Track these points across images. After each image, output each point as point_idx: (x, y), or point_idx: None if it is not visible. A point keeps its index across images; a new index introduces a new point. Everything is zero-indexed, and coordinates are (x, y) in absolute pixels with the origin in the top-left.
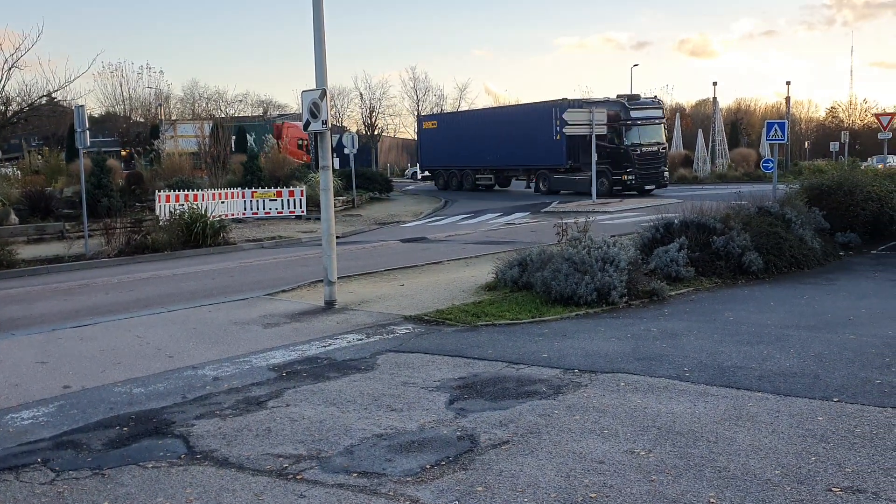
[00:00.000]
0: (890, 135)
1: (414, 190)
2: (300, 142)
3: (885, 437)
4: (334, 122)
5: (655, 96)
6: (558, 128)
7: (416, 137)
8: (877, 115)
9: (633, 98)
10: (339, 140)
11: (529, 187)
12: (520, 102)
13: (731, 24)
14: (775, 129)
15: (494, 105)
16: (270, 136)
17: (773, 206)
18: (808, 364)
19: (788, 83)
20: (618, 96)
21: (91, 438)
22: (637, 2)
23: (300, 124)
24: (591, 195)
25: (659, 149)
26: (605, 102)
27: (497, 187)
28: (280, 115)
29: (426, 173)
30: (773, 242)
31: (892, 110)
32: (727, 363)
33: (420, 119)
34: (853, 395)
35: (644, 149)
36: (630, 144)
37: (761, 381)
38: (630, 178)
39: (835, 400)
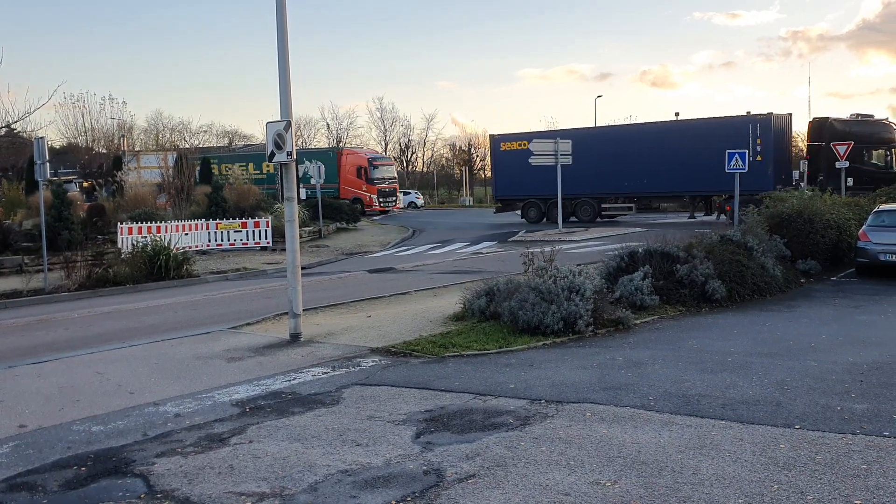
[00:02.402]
0: (846, 164)
1: (382, 220)
2: (359, 169)
3: (846, 464)
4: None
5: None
6: (758, 147)
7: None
8: (833, 145)
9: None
10: (306, 170)
11: (694, 217)
12: (688, 118)
13: (690, 56)
14: (736, 159)
15: (631, 122)
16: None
17: (735, 234)
18: (771, 391)
19: (748, 113)
20: (855, 115)
21: (47, 479)
22: (599, 35)
23: (360, 152)
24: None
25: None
26: (864, 122)
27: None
28: (246, 146)
29: (499, 204)
30: (736, 270)
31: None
32: (691, 392)
33: (496, 140)
34: (814, 422)
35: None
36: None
37: (725, 409)
38: None
39: (797, 427)
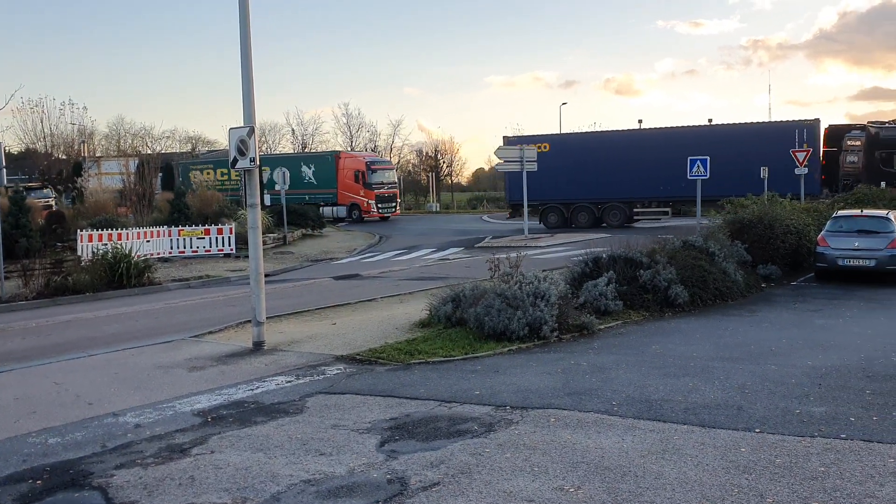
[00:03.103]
0: (805, 170)
1: (348, 226)
2: (356, 173)
3: (804, 467)
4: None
5: None
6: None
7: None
8: (793, 152)
9: None
10: (271, 176)
11: None
12: (732, 122)
13: (653, 64)
14: (698, 166)
15: (671, 126)
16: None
17: (697, 239)
18: (732, 395)
19: (710, 120)
20: (873, 122)
21: (0, 494)
22: (564, 43)
23: (358, 155)
24: None
25: None
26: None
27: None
28: (209, 151)
29: (511, 210)
30: (698, 275)
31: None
32: (654, 396)
33: (512, 142)
34: (774, 425)
35: None
36: None
37: (687, 413)
38: None
39: (757, 431)
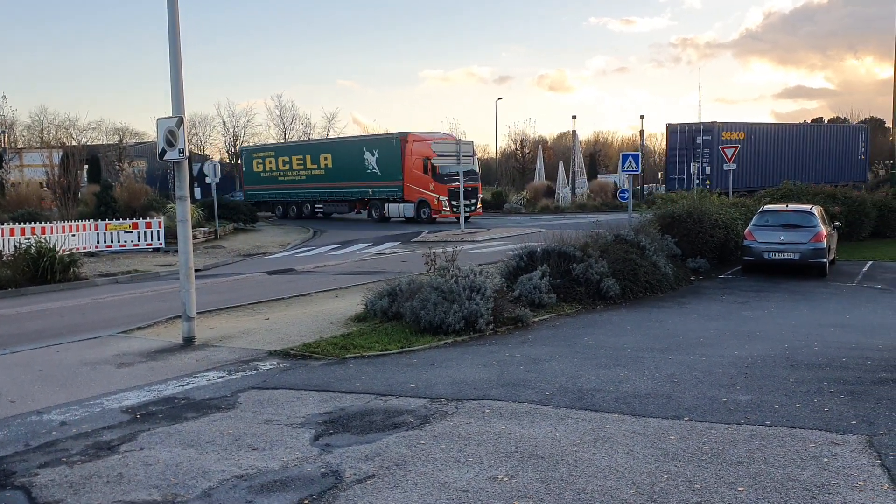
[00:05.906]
0: (734, 166)
1: (281, 221)
2: (425, 161)
3: (730, 453)
4: (195, 151)
5: None
6: (863, 147)
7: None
8: (722, 148)
9: None
10: (201, 169)
11: None
12: (811, 123)
13: (585, 61)
14: (630, 161)
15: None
16: (125, 164)
17: (629, 234)
18: (662, 385)
19: (642, 117)
20: None
21: None
22: (498, 38)
23: (428, 138)
24: None
25: None
26: None
27: None
28: (137, 144)
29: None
30: (629, 269)
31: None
32: (586, 386)
33: (718, 128)
34: (702, 413)
35: None
36: None
37: (618, 402)
38: None
39: (685, 419)
